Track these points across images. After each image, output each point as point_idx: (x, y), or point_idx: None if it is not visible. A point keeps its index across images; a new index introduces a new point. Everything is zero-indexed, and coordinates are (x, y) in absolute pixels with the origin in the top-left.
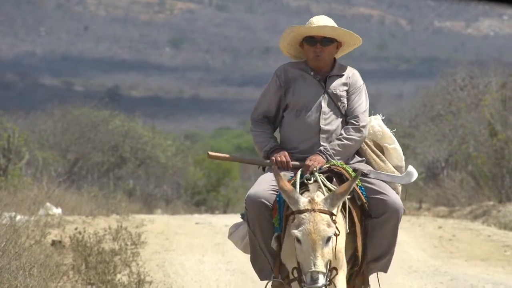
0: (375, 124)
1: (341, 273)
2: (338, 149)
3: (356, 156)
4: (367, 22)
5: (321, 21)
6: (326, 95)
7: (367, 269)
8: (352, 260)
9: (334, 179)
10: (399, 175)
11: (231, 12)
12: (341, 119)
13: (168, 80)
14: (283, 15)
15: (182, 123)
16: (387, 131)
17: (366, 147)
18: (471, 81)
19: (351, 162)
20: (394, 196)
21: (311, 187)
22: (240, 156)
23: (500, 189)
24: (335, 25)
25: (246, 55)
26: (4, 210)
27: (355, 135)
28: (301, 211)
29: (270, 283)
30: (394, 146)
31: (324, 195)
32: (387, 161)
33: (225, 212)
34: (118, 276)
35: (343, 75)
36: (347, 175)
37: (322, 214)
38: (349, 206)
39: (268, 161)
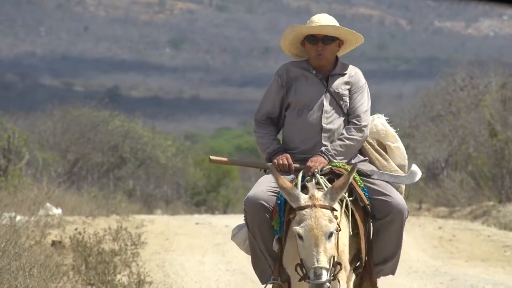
0: (378, 123)
1: (343, 274)
2: (340, 149)
3: (358, 155)
4: (367, 22)
5: (323, 20)
6: (328, 94)
7: (374, 272)
8: (355, 261)
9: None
10: (403, 174)
11: (231, 12)
12: (343, 118)
13: (168, 81)
14: (283, 15)
15: (182, 124)
16: (390, 130)
17: (369, 146)
18: (471, 82)
19: (353, 162)
20: (398, 197)
21: (309, 186)
22: (241, 159)
23: (500, 189)
24: (336, 23)
25: (246, 55)
26: (4, 210)
27: (356, 135)
28: (302, 207)
29: (270, 285)
30: (397, 144)
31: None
32: (390, 160)
33: (225, 212)
34: (118, 276)
35: (345, 73)
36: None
37: (323, 210)
38: (352, 208)
39: (270, 164)
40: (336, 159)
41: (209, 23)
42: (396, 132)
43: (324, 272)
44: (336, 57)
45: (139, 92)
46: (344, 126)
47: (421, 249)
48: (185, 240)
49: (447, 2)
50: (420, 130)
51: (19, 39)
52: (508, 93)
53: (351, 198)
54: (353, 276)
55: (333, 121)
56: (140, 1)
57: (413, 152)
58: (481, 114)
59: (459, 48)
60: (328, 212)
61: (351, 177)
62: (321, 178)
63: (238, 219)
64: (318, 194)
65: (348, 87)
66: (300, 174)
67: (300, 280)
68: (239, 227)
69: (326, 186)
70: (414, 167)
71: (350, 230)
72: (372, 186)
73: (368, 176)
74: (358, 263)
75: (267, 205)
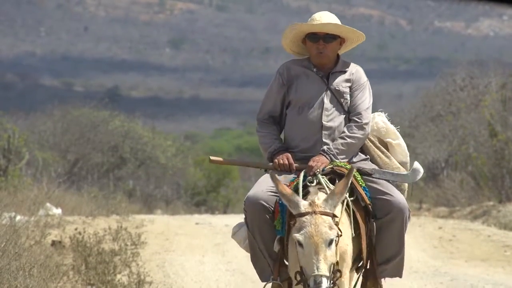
0: (379, 120)
1: (346, 274)
2: (342, 148)
3: (360, 154)
4: (367, 22)
5: (324, 18)
6: (328, 92)
7: (378, 272)
8: (357, 261)
9: (337, 181)
10: (404, 172)
11: (231, 13)
12: (344, 115)
13: (168, 81)
14: (283, 15)
15: (182, 124)
16: (391, 127)
17: (371, 143)
18: (471, 82)
19: (355, 161)
20: (399, 196)
21: (311, 190)
22: (242, 160)
23: (500, 189)
24: (338, 21)
25: (246, 55)
26: (4, 210)
27: (358, 133)
28: (302, 214)
29: (270, 284)
30: (398, 141)
31: (325, 195)
32: (392, 157)
33: (225, 212)
34: (118, 276)
35: (346, 71)
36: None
37: (324, 216)
38: (353, 209)
39: (271, 164)
40: (338, 158)
41: (209, 23)
42: (397, 129)
43: (324, 280)
44: (338, 55)
45: (139, 92)
46: (345, 124)
47: (421, 249)
48: (185, 240)
49: (447, 2)
50: (420, 130)
51: (19, 39)
52: (508, 93)
53: (352, 198)
54: (355, 276)
55: (333, 118)
56: (140, 1)
57: (413, 152)
58: (481, 114)
59: (459, 48)
60: (329, 218)
61: (350, 180)
62: (323, 178)
63: (238, 219)
64: (319, 200)
65: (349, 84)
66: (302, 174)
67: (297, 285)
68: (239, 225)
69: (328, 187)
70: (416, 164)
71: (352, 231)
72: (372, 185)
73: (369, 175)
74: (360, 264)
75: (267, 205)
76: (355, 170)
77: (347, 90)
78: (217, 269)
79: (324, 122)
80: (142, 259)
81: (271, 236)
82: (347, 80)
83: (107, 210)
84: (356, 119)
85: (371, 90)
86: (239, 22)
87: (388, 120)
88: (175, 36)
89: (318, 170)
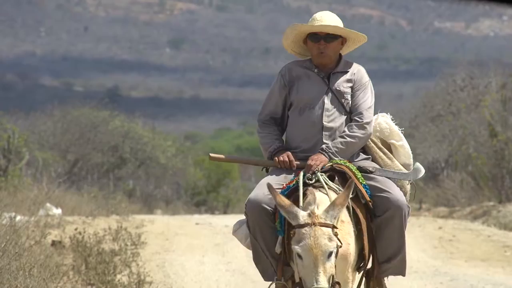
0: (382, 121)
1: (349, 273)
2: (341, 147)
3: (361, 153)
4: (367, 22)
5: (325, 18)
6: (329, 92)
7: (379, 271)
8: (359, 261)
9: (336, 178)
10: (406, 171)
11: (231, 13)
12: (345, 116)
13: (168, 81)
14: (283, 15)
15: (182, 124)
16: (395, 128)
17: (373, 144)
18: (471, 82)
19: (356, 160)
20: (397, 193)
21: (309, 190)
22: (242, 157)
23: (500, 189)
24: (339, 21)
25: (246, 55)
26: (4, 210)
27: (358, 132)
28: (302, 226)
29: (273, 285)
30: (402, 143)
31: (325, 194)
32: (394, 159)
33: (225, 212)
34: (118, 276)
35: (347, 71)
36: (350, 173)
37: (323, 228)
38: (352, 206)
39: (271, 161)
40: (337, 157)
41: (209, 23)
42: (402, 131)
43: None
44: (340, 56)
45: (139, 92)
46: (347, 124)
47: (421, 249)
48: (185, 240)
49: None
50: (420, 130)
51: (19, 39)
52: (508, 93)
53: (352, 195)
54: (357, 276)
55: (334, 119)
56: (140, 1)
57: (413, 152)
58: (481, 115)
59: (459, 48)
60: (328, 230)
61: (351, 191)
62: (322, 175)
63: (238, 219)
64: (318, 211)
65: (350, 85)
66: (301, 173)
67: None
68: (240, 223)
69: (327, 184)
70: (417, 164)
71: (354, 227)
72: (371, 183)
73: (370, 172)
74: (362, 263)
75: (268, 208)
76: (355, 168)
77: (349, 90)
78: (217, 269)
79: (325, 123)
80: (142, 259)
81: (273, 238)
82: (349, 80)
83: (107, 210)
84: (357, 119)
85: (373, 90)
86: (239, 22)
87: (393, 121)
88: (175, 36)
89: (317, 168)
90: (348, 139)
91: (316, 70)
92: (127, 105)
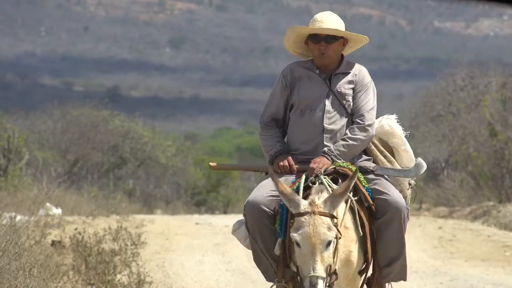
0: (385, 123)
1: (353, 274)
2: (343, 149)
3: (363, 155)
4: (367, 22)
5: (325, 19)
6: (330, 94)
7: (381, 276)
8: (363, 262)
9: (340, 181)
10: (407, 168)
11: (231, 12)
12: (347, 118)
13: (168, 80)
14: (283, 15)
15: (182, 124)
16: (398, 132)
17: (374, 147)
18: (471, 82)
19: (357, 161)
20: (396, 196)
21: (314, 188)
22: (241, 163)
23: (500, 189)
24: (340, 21)
25: (246, 55)
26: (4, 210)
27: (360, 135)
28: (301, 214)
29: (274, 286)
30: (405, 147)
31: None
32: (395, 162)
33: (225, 212)
34: (118, 276)
35: (349, 72)
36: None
37: (323, 217)
38: (357, 209)
39: (270, 167)
40: (339, 160)
41: (209, 23)
42: (406, 136)
43: (320, 282)
44: (342, 56)
45: (139, 92)
46: (348, 126)
47: (421, 249)
48: (185, 240)
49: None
50: (420, 130)
51: (19, 39)
52: (508, 93)
53: (355, 198)
54: (359, 279)
55: (335, 121)
56: (140, 1)
57: (413, 152)
58: (481, 114)
59: (459, 48)
60: (328, 219)
61: (353, 182)
62: (325, 178)
63: (238, 219)
64: (319, 200)
65: (351, 86)
66: (303, 176)
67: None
68: (239, 223)
69: (330, 187)
70: (419, 159)
71: (360, 231)
72: (373, 186)
73: (372, 171)
74: (364, 266)
75: (267, 210)
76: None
77: (350, 91)
78: (217, 269)
79: (325, 125)
80: (142, 259)
81: (272, 239)
82: (350, 82)
83: (107, 210)
84: (359, 121)
85: (375, 91)
86: (239, 22)
87: (398, 123)
88: (175, 36)
89: (320, 171)
90: (350, 141)
91: (317, 71)
92: (127, 105)
